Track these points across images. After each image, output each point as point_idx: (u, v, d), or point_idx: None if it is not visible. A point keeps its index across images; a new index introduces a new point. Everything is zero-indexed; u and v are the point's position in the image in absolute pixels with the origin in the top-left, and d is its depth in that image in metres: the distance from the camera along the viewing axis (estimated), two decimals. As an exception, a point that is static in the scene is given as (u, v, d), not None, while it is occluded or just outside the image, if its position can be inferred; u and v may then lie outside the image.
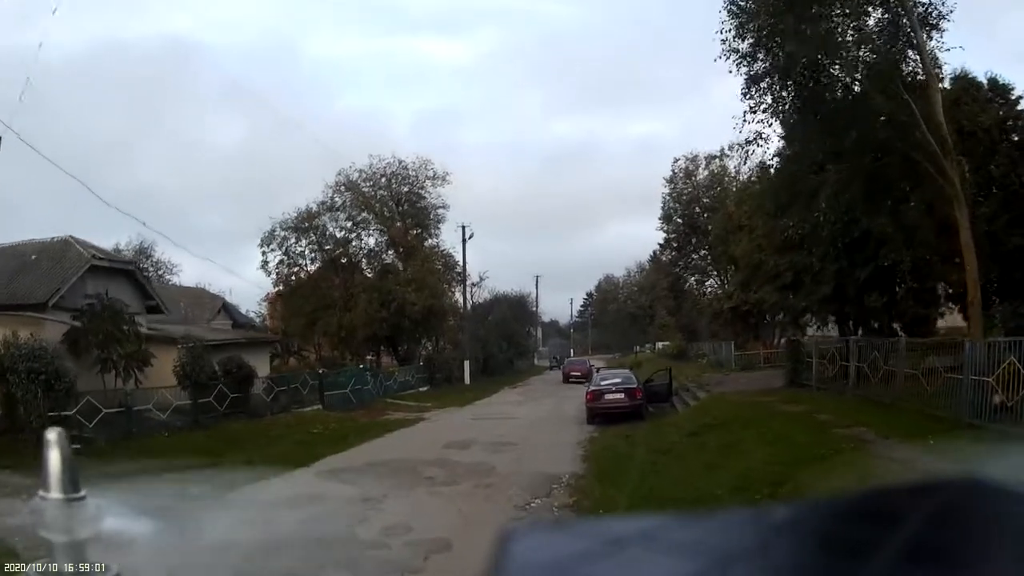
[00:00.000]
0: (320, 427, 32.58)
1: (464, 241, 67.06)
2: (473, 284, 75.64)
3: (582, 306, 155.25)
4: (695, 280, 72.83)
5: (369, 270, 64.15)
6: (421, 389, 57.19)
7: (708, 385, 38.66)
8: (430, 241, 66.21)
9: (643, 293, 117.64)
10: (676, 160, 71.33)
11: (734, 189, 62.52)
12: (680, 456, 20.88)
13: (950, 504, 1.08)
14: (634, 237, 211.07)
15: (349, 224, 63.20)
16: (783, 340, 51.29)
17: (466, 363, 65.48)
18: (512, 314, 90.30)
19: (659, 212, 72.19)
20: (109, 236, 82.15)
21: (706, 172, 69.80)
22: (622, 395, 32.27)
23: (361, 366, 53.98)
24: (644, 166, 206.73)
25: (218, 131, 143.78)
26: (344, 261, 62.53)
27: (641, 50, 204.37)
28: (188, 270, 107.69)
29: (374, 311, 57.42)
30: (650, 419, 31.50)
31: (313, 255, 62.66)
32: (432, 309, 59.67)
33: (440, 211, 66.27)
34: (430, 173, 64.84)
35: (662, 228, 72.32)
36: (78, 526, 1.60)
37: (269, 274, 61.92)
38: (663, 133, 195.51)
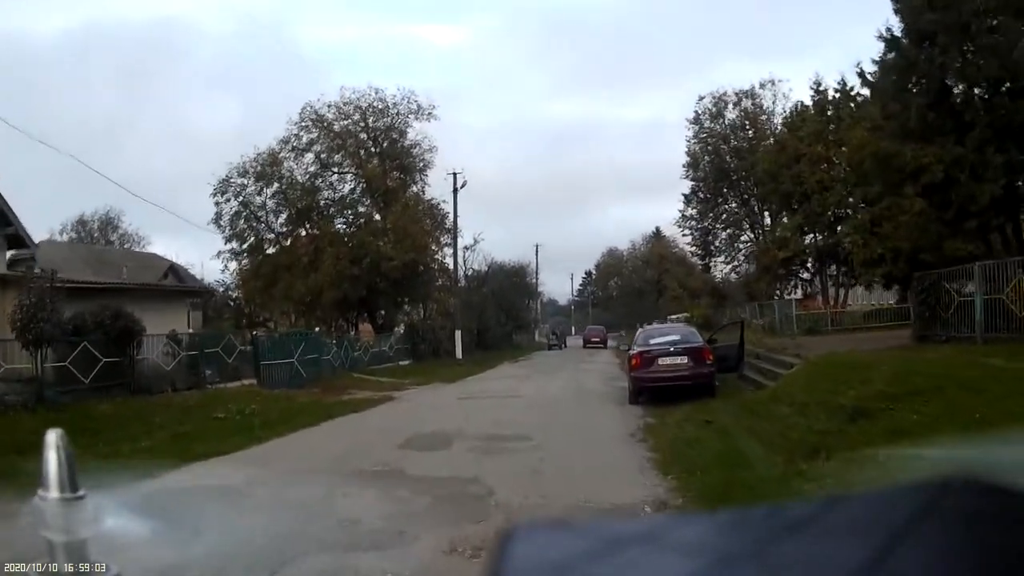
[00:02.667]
0: (233, 409, 21.91)
1: (455, 190, 55.73)
2: (467, 247, 66.00)
3: (581, 285, 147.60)
4: (728, 235, 62.28)
5: (342, 222, 53.25)
6: (401, 363, 47.23)
7: (785, 349, 28.21)
8: (414, 188, 55.21)
9: (649, 266, 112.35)
10: (701, 98, 60.95)
11: (776, 126, 54.71)
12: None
13: (950, 504, 1.06)
14: (633, 219, 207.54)
15: (316, 167, 52.60)
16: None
17: (457, 334, 54.47)
18: (511, 284, 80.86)
19: (683, 159, 62.09)
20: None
21: (736, 111, 59.62)
22: (684, 359, 22.08)
23: (317, 330, 43.97)
24: (644, 147, 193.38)
25: (207, 114, 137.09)
26: (314, 213, 51.82)
27: (643, 30, 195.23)
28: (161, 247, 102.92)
29: (343, 268, 46.76)
30: (722, 396, 21.68)
31: (277, 206, 52.00)
32: (414, 266, 48.97)
33: (427, 154, 55.27)
34: (413, 107, 53.70)
35: (686, 176, 62.09)
36: (78, 526, 1.50)
37: (223, 229, 51.03)
38: (663, 114, 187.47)
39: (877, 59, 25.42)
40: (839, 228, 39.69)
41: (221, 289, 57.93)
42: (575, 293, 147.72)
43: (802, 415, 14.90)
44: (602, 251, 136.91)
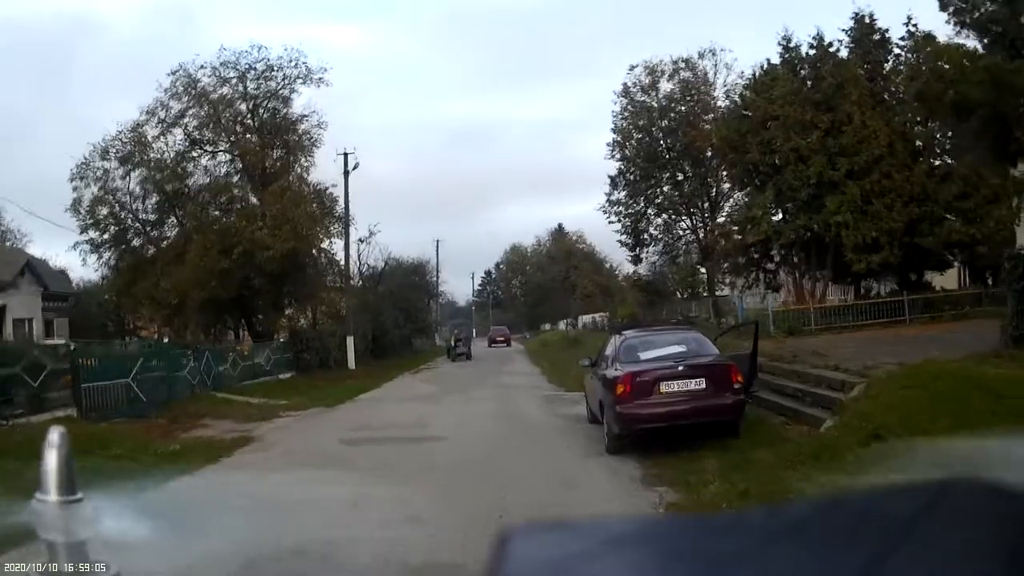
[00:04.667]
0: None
1: (346, 172, 47.69)
2: (361, 239, 57.54)
3: (480, 285, 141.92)
4: (664, 221, 55.01)
5: (216, 208, 43.87)
6: (281, 376, 38.73)
7: (796, 358, 20.87)
8: (300, 170, 46.28)
9: (556, 263, 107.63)
10: (632, 68, 53.52)
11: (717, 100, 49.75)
12: None
13: (950, 504, 1.07)
14: (535, 218, 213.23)
15: (186, 144, 43.40)
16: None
17: (349, 340, 46.17)
18: (410, 283, 73.76)
19: (609, 137, 54.83)
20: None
21: (674, 82, 52.68)
22: (700, 382, 14.42)
23: (166, 340, 36.04)
24: (545, 145, 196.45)
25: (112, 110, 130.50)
26: (184, 198, 42.76)
27: (543, 31, 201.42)
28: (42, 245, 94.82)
29: (211, 262, 37.93)
30: (750, 434, 14.73)
31: (144, 192, 42.72)
32: (296, 258, 40.38)
33: (316, 130, 46.34)
34: (301, 70, 44.73)
35: (611, 155, 54.56)
36: (77, 527, 1.59)
37: (82, 218, 41.65)
38: (565, 112, 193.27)
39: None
40: (824, 206, 32.44)
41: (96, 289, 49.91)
42: (475, 293, 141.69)
43: None
44: (504, 249, 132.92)
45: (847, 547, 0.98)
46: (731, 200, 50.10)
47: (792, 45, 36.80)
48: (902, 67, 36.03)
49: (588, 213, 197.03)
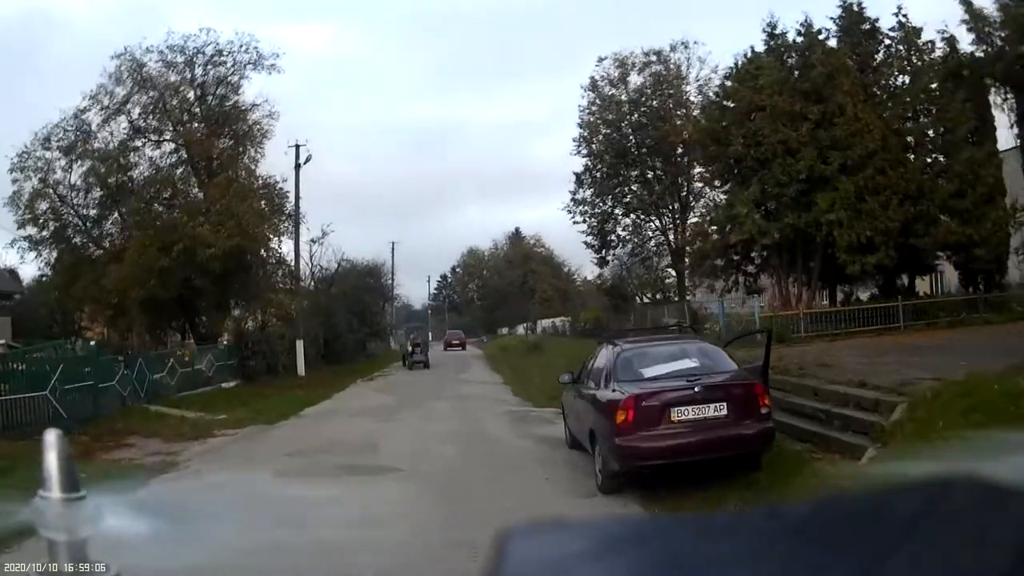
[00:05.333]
0: None
1: (298, 165, 44.73)
2: (314, 240, 54.48)
3: (436, 288, 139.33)
4: (632, 221, 52.60)
5: (158, 202, 40.70)
6: (225, 384, 35.78)
7: (804, 371, 18.45)
8: (249, 161, 43.40)
9: (513, 266, 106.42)
10: (601, 60, 51.25)
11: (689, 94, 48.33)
12: None
13: (950, 504, 1.06)
14: (492, 222, 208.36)
15: (129, 132, 40.45)
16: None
17: (298, 345, 43.27)
18: (365, 285, 69.96)
19: (574, 134, 52.50)
20: None
21: (645, 76, 50.44)
22: (721, 407, 11.66)
23: (92, 344, 32.63)
24: (503, 149, 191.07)
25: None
26: (128, 192, 39.73)
27: (505, 33, 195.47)
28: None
29: (150, 259, 34.92)
30: (772, 468, 12.14)
31: (87, 185, 39.81)
32: (241, 257, 37.49)
33: (267, 121, 43.40)
34: (252, 55, 41.90)
35: (577, 151, 52.15)
36: (78, 526, 1.57)
37: (20, 213, 38.89)
38: (524, 116, 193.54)
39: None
40: (815, 203, 30.13)
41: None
42: (431, 297, 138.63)
43: None
44: (461, 252, 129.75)
45: (847, 547, 0.98)
46: (704, 199, 48.11)
47: (778, 32, 34.41)
48: (891, 59, 34.02)
49: (546, 217, 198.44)
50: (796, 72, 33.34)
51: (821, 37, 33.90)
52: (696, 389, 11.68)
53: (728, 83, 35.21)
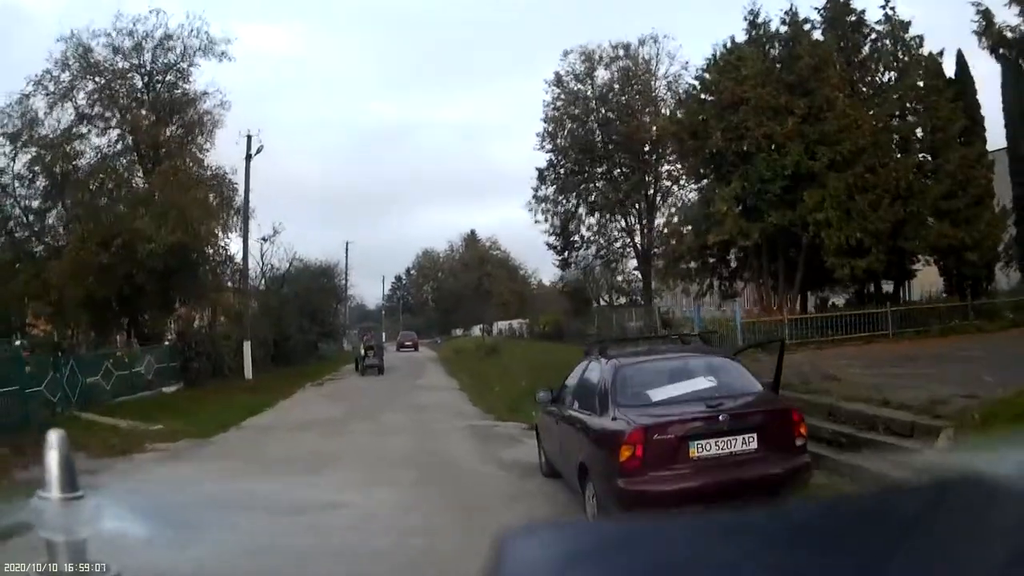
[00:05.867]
0: None
1: (248, 156, 42.64)
2: (265, 238, 52.52)
3: (391, 289, 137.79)
4: (597, 221, 51.22)
5: (103, 193, 38.00)
6: (167, 389, 33.52)
7: (809, 384, 16.69)
8: (196, 149, 41.04)
9: (469, 269, 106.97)
10: (567, 54, 49.99)
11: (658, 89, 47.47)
12: None
13: (950, 504, 1.07)
14: (447, 223, 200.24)
15: (74, 119, 37.96)
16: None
17: (246, 346, 40.89)
18: (318, 286, 68.04)
19: (536, 131, 51.40)
20: None
21: (612, 70, 49.41)
22: (751, 439, 9.33)
23: (19, 343, 30.06)
24: (459, 153, 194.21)
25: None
26: (74, 176, 37.18)
27: (466, 36, 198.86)
28: None
29: (88, 254, 32.69)
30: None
31: (32, 174, 37.39)
32: (184, 254, 35.10)
33: (218, 110, 41.16)
34: (203, 40, 39.60)
35: (540, 147, 50.86)
36: (77, 525, 1.58)
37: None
38: (479, 117, 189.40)
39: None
40: (802, 200, 28.37)
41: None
42: (385, 298, 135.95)
43: None
44: (416, 253, 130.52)
45: (847, 547, 0.98)
46: (672, 198, 47.28)
47: (760, 21, 32.57)
48: (878, 54, 32.42)
49: (504, 219, 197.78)
50: (779, 64, 31.58)
51: (807, 28, 32.15)
52: (720, 419, 9.45)
53: (707, 75, 33.14)
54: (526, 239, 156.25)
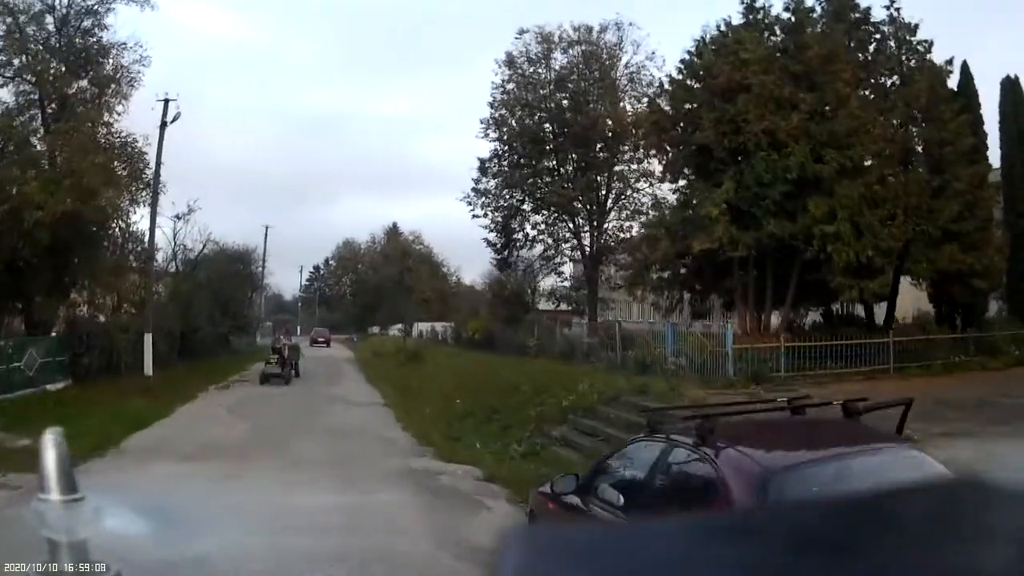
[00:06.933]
0: None
1: (163, 124, 38.06)
2: (179, 215, 48.13)
3: (308, 280, 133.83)
4: (545, 219, 47.92)
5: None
6: (51, 387, 29.19)
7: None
8: (106, 109, 35.49)
9: (390, 262, 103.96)
10: (522, 33, 46.21)
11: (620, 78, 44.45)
12: None
13: (950, 504, 1.07)
14: (369, 215, 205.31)
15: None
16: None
17: (147, 338, 36.16)
18: (233, 272, 64.62)
19: (479, 120, 48.20)
20: None
21: (571, 54, 45.89)
22: None
23: None
24: (386, 145, 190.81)
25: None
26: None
27: (402, 28, 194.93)
28: None
29: (-30, 224, 27.70)
30: None
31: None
32: (79, 225, 30.54)
33: (136, 67, 36.29)
34: (125, -15, 34.73)
35: (486, 135, 47.33)
36: (77, 526, 1.58)
37: None
38: (406, 112, 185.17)
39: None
40: (806, 209, 24.82)
41: None
42: (302, 288, 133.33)
43: None
44: (336, 244, 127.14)
45: (848, 549, 0.97)
46: (624, 200, 44.87)
47: (759, 5, 28.85)
48: (883, 57, 29.35)
49: (428, 215, 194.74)
50: (780, 52, 27.90)
51: (814, 15, 28.82)
52: None
53: (696, 59, 29.24)
54: (450, 236, 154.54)
